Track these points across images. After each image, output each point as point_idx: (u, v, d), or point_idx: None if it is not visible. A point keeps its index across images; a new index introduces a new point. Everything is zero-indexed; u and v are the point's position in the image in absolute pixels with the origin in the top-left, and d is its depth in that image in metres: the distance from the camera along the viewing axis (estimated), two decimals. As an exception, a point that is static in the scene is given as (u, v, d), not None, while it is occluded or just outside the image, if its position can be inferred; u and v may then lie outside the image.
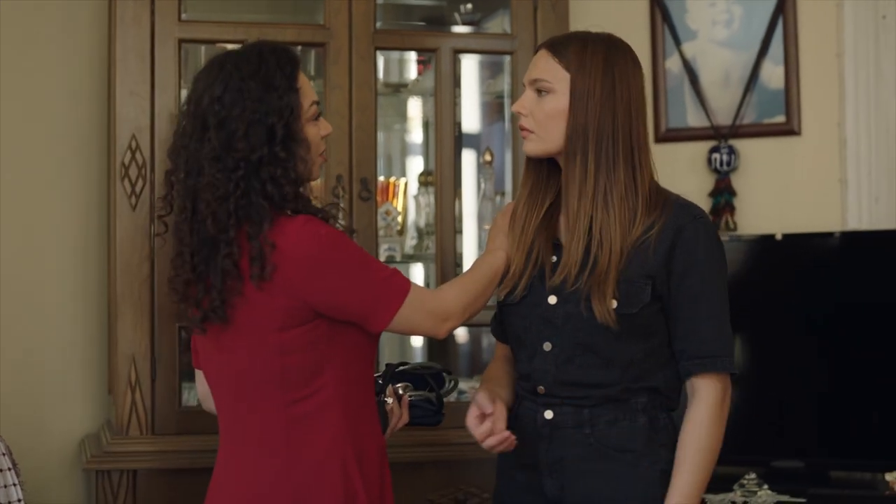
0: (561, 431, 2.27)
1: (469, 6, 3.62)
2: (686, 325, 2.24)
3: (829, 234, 3.59)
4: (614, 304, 2.20)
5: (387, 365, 2.46)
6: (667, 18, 3.83)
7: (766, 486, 3.32)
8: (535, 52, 2.36)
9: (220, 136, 2.14)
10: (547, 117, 2.27)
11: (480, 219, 3.60)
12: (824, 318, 3.48)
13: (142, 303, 3.08)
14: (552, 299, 2.27)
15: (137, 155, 3.09)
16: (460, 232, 3.49)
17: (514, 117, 3.27)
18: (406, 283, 2.22)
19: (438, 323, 2.27)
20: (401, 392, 2.41)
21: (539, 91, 2.29)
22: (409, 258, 3.62)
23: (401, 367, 2.45)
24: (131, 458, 3.06)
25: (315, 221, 2.18)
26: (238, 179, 2.13)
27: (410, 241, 3.64)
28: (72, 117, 3.53)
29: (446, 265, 3.29)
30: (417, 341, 3.80)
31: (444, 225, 3.30)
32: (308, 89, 2.24)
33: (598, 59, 2.25)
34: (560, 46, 2.29)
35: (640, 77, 2.31)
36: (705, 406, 2.22)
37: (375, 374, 2.40)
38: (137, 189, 3.09)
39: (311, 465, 2.18)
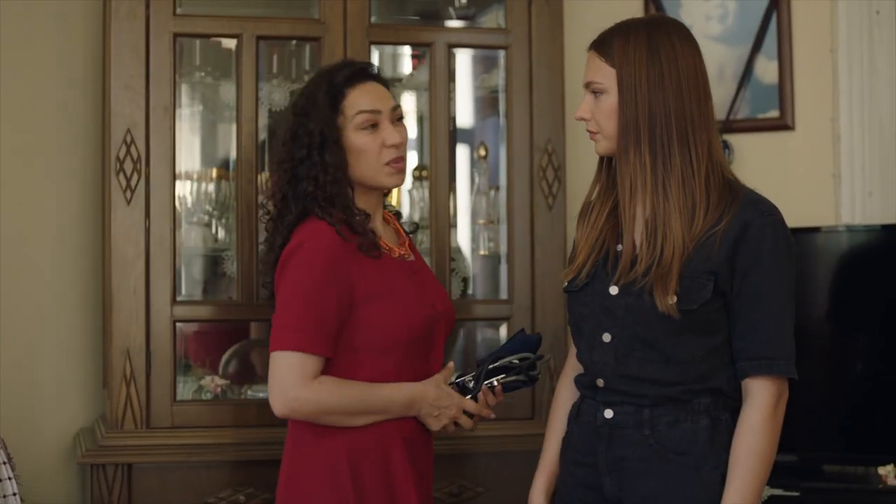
0: (620, 431, 2.24)
1: (463, 1, 3.62)
2: (745, 324, 2.19)
3: (823, 229, 3.60)
4: (674, 299, 2.16)
5: (478, 363, 2.46)
6: (661, 13, 3.83)
7: (759, 480, 3.33)
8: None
9: (278, 143, 2.49)
10: (604, 117, 2.24)
11: (474, 213, 3.60)
12: (816, 312, 3.48)
13: (136, 297, 3.08)
14: (613, 290, 2.24)
15: (132, 149, 3.09)
16: (454, 226, 3.49)
17: (508, 112, 3.32)
18: (303, 345, 2.30)
19: (283, 400, 2.30)
20: (495, 384, 2.45)
21: (594, 93, 2.26)
22: (404, 252, 3.61)
23: (493, 364, 2.46)
24: (126, 452, 3.06)
25: (321, 230, 2.35)
26: (286, 179, 2.43)
27: (405, 236, 3.63)
28: (66, 111, 3.52)
29: (440, 259, 3.30)
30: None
31: (439, 219, 3.30)
32: (360, 100, 2.43)
33: (641, 47, 2.21)
34: (605, 44, 2.26)
35: (692, 54, 2.24)
36: (758, 409, 2.17)
37: (462, 377, 2.45)
38: (132, 183, 3.09)
39: (308, 465, 2.35)
